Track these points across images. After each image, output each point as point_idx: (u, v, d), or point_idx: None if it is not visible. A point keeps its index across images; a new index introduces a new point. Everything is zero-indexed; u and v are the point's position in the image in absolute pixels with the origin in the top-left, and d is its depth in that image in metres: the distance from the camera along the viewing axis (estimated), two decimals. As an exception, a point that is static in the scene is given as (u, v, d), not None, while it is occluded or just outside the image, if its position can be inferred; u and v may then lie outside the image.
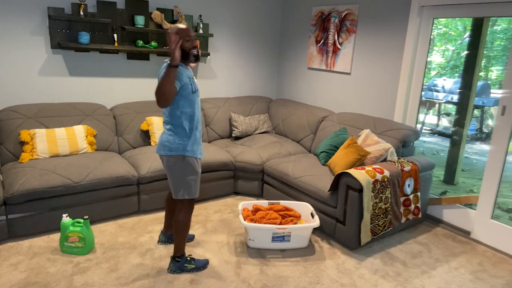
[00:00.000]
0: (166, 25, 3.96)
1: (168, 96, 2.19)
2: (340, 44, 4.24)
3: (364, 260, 2.90)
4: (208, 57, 4.54)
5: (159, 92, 2.17)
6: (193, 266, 2.63)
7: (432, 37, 3.55)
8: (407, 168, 3.16)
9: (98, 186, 3.09)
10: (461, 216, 3.44)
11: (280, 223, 3.01)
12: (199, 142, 2.50)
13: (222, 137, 4.45)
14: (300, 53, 4.81)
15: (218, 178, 3.78)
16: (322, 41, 4.45)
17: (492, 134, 3.11)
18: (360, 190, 2.86)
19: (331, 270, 2.74)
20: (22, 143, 3.29)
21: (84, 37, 3.55)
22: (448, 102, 3.89)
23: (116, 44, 3.81)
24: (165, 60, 2.38)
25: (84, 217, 2.78)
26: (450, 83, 3.80)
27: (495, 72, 3.47)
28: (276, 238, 2.91)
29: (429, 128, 4.15)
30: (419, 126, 3.86)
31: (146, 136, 3.88)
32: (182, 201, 2.51)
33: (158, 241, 2.97)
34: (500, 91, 3.05)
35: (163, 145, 2.41)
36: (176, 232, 2.55)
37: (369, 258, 2.92)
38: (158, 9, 4.03)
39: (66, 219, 2.77)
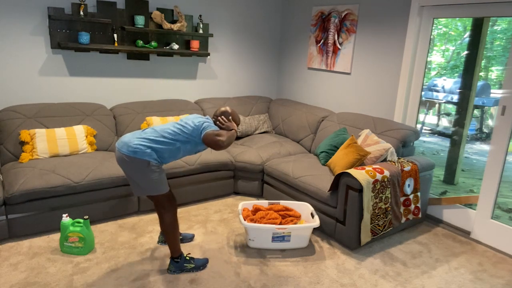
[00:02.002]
0: (166, 25, 3.96)
1: (232, 141, 2.48)
2: (340, 44, 4.24)
3: (364, 260, 2.90)
4: (208, 57, 4.54)
5: (227, 144, 2.42)
6: (193, 265, 2.63)
7: (432, 37, 3.55)
8: (407, 168, 3.16)
9: (98, 186, 3.09)
10: (461, 216, 3.44)
11: (280, 223, 3.01)
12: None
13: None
14: (300, 53, 4.81)
15: (218, 178, 3.78)
16: (322, 41, 4.45)
17: (492, 134, 3.11)
18: (360, 190, 2.86)
19: (331, 270, 2.74)
20: (22, 143, 3.29)
21: (84, 37, 3.55)
22: (448, 102, 3.89)
23: (116, 44, 3.81)
24: (205, 119, 2.58)
25: (84, 217, 2.78)
26: (450, 83, 3.80)
27: (495, 72, 3.47)
28: (276, 238, 2.91)
29: (429, 128, 4.15)
30: (419, 126, 3.86)
31: (146, 136, 3.88)
32: (163, 204, 2.52)
33: (158, 241, 2.97)
34: (500, 91, 3.05)
35: (128, 145, 2.37)
36: (166, 235, 2.56)
37: (369, 258, 2.92)
38: (158, 9, 4.03)
39: (66, 219, 2.77)
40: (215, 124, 2.61)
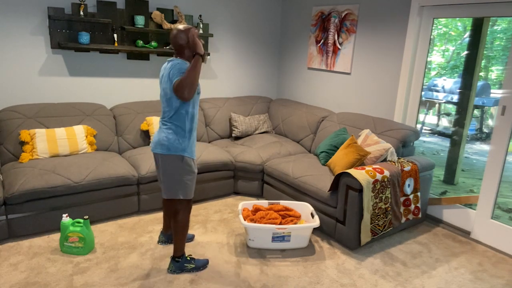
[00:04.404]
0: (166, 25, 3.96)
1: (196, 85, 2.24)
2: (340, 44, 4.24)
3: (364, 260, 2.90)
4: (208, 57, 4.54)
5: (191, 82, 2.19)
6: (193, 266, 2.63)
7: (432, 37, 3.55)
8: (407, 168, 3.16)
9: (98, 186, 3.09)
10: (461, 216, 3.44)
11: (280, 223, 3.01)
12: (195, 143, 2.53)
13: (222, 137, 4.45)
14: (300, 53, 4.81)
15: (218, 178, 3.78)
16: (322, 41, 4.45)
17: (492, 134, 3.11)
18: (360, 190, 2.86)
19: (331, 270, 2.74)
20: (22, 143, 3.29)
21: (84, 37, 3.55)
22: (448, 102, 3.88)
23: (116, 44, 3.81)
24: (169, 59, 2.40)
25: (84, 217, 2.78)
26: (450, 83, 3.80)
27: (495, 72, 3.47)
28: (276, 238, 2.91)
29: (429, 128, 4.15)
30: (419, 126, 3.86)
31: (146, 136, 3.88)
32: (181, 201, 2.51)
33: (158, 241, 2.97)
34: (500, 91, 3.05)
35: (161, 144, 2.40)
36: (175, 232, 2.55)
37: (369, 258, 2.92)
38: (158, 9, 4.03)
39: (66, 219, 2.77)
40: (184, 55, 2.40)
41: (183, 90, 2.21)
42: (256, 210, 3.15)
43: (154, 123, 3.80)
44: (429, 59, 3.62)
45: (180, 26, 2.38)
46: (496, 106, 3.19)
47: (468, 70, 3.46)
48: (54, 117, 3.50)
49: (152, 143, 2.46)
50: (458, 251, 3.11)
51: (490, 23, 3.28)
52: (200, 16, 4.22)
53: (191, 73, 2.22)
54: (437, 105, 4.08)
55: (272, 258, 2.86)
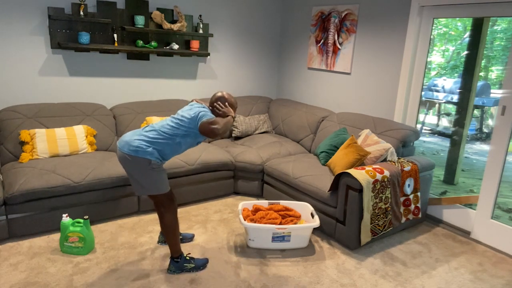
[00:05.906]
0: (166, 25, 3.96)
1: (226, 130, 2.43)
2: (340, 44, 4.24)
3: (364, 260, 2.90)
4: (208, 57, 4.54)
5: (223, 131, 2.38)
6: (193, 265, 2.63)
7: (432, 37, 3.55)
8: (407, 168, 3.16)
9: (98, 186, 3.09)
10: (461, 216, 3.44)
11: (280, 223, 3.01)
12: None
13: (222, 137, 4.45)
14: (300, 53, 4.81)
15: (218, 178, 3.78)
16: (322, 41, 4.45)
17: (492, 134, 3.11)
18: (360, 190, 2.86)
19: (331, 270, 2.74)
20: (22, 143, 3.29)
21: (84, 37, 3.55)
22: (448, 102, 3.89)
23: (116, 44, 3.81)
24: (198, 104, 2.55)
25: (84, 217, 2.78)
26: (450, 83, 3.80)
27: (495, 72, 3.47)
28: (276, 238, 2.91)
29: (429, 128, 4.15)
30: (419, 126, 3.86)
31: (146, 136, 3.88)
32: (162, 204, 2.52)
33: (158, 241, 2.97)
34: (500, 91, 3.05)
35: (130, 144, 2.38)
36: (166, 235, 2.56)
37: (369, 258, 2.92)
38: (158, 9, 4.03)
39: (66, 219, 2.77)
40: (212, 111, 2.57)
41: (219, 133, 2.35)
42: (256, 210, 3.15)
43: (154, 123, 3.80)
44: (429, 59, 3.62)
45: (219, 94, 2.57)
46: (496, 106, 3.19)
47: (468, 70, 3.46)
48: (54, 117, 3.50)
49: (121, 141, 2.42)
50: (458, 251, 3.11)
51: (490, 23, 3.28)
52: (200, 16, 4.23)
53: (226, 126, 2.41)
54: (437, 105, 4.08)
55: (272, 258, 2.87)
